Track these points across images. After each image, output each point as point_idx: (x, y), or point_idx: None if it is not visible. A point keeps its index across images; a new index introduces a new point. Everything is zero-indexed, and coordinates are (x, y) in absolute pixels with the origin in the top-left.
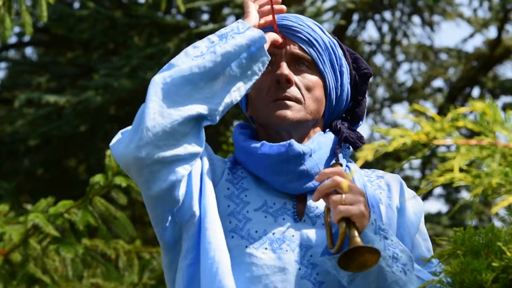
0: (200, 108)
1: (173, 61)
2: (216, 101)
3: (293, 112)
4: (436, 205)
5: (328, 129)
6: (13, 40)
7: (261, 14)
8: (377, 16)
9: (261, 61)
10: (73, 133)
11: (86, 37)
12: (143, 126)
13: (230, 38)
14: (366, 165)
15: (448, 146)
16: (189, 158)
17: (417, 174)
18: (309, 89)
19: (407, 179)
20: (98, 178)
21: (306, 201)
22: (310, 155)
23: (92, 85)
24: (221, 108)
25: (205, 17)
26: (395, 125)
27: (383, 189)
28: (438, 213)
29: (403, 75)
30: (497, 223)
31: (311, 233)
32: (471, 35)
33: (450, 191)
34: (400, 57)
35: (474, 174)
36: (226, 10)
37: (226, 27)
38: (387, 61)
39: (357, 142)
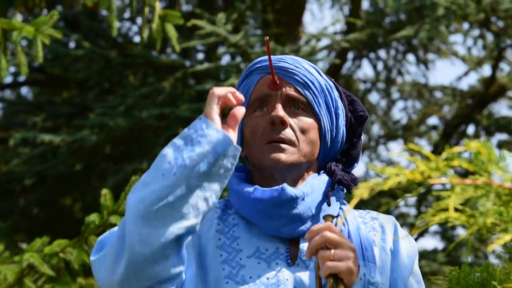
0: (180, 228)
1: (145, 178)
2: (194, 214)
3: (287, 155)
4: (432, 242)
5: (322, 171)
6: (8, 80)
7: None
8: (372, 55)
9: (232, 156)
10: (68, 172)
11: (82, 77)
12: (123, 258)
13: (196, 143)
14: (362, 203)
15: (443, 184)
16: (172, 278)
17: (412, 211)
18: (303, 131)
19: (402, 216)
20: (93, 217)
21: (299, 244)
22: (303, 199)
23: (88, 124)
24: (200, 219)
25: (200, 56)
26: (390, 162)
27: (377, 231)
28: (434, 250)
29: (398, 113)
30: (493, 261)
31: (304, 276)
32: (466, 73)
33: (446, 229)
34: (395, 95)
35: (469, 214)
36: (221, 49)
37: (189, 127)
38: (382, 99)
39: (351, 184)
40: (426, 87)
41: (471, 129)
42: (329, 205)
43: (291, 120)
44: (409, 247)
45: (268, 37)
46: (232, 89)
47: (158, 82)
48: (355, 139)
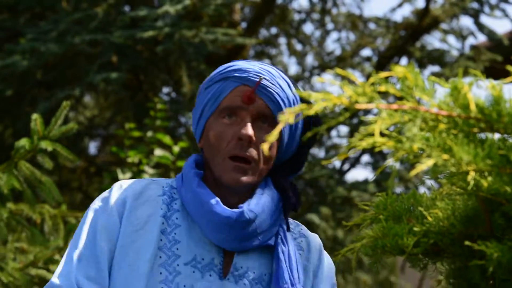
0: None
1: None
2: None
3: (247, 177)
4: (363, 173)
5: (269, 178)
6: None
7: None
8: None
9: None
10: None
11: (13, 1)
12: None
13: None
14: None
15: (375, 114)
16: None
17: (344, 142)
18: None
19: (335, 147)
20: (23, 142)
21: (233, 258)
22: (254, 220)
23: (19, 49)
24: None
25: None
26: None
27: (303, 250)
28: (365, 181)
29: (332, 44)
30: (423, 190)
31: None
32: (400, 5)
33: (377, 159)
34: (330, 26)
35: (396, 139)
36: None
37: None
38: (316, 29)
39: (297, 205)
40: (360, 18)
41: (404, 61)
42: (288, 230)
43: (257, 136)
44: (330, 265)
45: (263, 78)
46: None
47: (91, 8)
48: (305, 148)
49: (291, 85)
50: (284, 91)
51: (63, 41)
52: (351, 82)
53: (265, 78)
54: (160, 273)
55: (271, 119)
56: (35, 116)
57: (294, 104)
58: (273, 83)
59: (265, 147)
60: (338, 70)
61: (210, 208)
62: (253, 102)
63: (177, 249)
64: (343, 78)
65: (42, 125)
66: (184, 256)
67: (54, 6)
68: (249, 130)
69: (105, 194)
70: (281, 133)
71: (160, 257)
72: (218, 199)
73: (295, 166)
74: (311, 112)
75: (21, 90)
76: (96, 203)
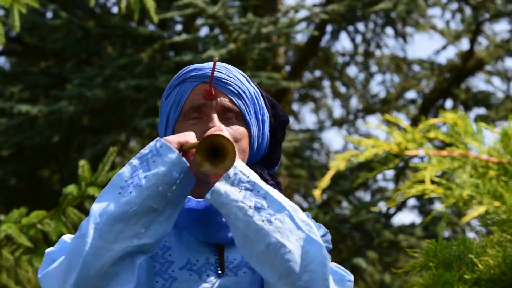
0: (131, 246)
1: (104, 192)
2: (149, 235)
3: None
4: (410, 217)
5: None
6: None
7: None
8: (350, 27)
9: (189, 184)
10: (46, 143)
11: (59, 47)
12: (76, 269)
13: (151, 163)
14: (341, 177)
15: (421, 158)
16: None
17: (390, 186)
18: (236, 140)
19: (380, 190)
20: (71, 188)
21: (223, 254)
22: None
23: (65, 95)
24: (154, 240)
25: (179, 27)
26: (368, 136)
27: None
28: (411, 225)
29: (376, 87)
30: (470, 235)
31: (234, 285)
32: (444, 47)
33: (424, 203)
34: (373, 68)
35: (446, 186)
36: (199, 21)
37: (146, 148)
38: (360, 72)
39: (276, 188)
40: (404, 60)
41: (449, 104)
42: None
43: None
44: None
45: (217, 58)
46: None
47: (136, 53)
48: (276, 144)
49: (249, 80)
50: (243, 83)
51: (108, 86)
52: (398, 127)
53: (221, 72)
54: (156, 281)
55: (236, 113)
56: (82, 162)
57: (256, 98)
58: (230, 76)
59: (316, 193)
60: (387, 116)
61: (184, 207)
62: (214, 96)
63: (170, 255)
64: (389, 122)
65: (89, 171)
66: (178, 261)
67: (99, 52)
68: (216, 122)
69: None
70: (249, 128)
71: (154, 266)
72: (189, 196)
73: (270, 163)
74: (361, 158)
75: (68, 135)
76: None
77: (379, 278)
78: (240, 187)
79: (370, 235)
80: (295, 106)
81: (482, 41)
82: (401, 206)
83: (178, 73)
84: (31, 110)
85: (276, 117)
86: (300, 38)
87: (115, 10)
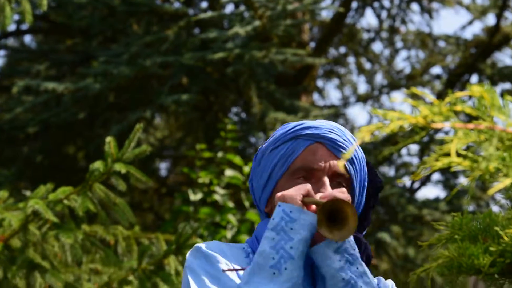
0: None
1: (253, 278)
2: None
3: None
4: (434, 191)
5: None
6: (12, 28)
7: None
8: (375, 3)
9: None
10: (72, 120)
11: (85, 25)
12: None
13: (289, 231)
14: (364, 151)
15: (446, 132)
16: None
17: (415, 160)
18: None
19: (405, 165)
20: (97, 164)
21: None
22: None
23: (91, 72)
24: None
25: (204, 4)
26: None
27: None
28: (436, 199)
29: (401, 62)
30: (495, 209)
31: None
32: (470, 22)
33: (448, 177)
34: (399, 44)
35: (472, 159)
36: None
37: (274, 216)
38: (385, 48)
39: (371, 257)
40: (430, 36)
41: (474, 79)
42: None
43: None
44: None
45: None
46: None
47: (162, 30)
48: (368, 210)
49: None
50: (355, 148)
51: (134, 64)
52: (424, 101)
53: (336, 134)
54: None
55: (346, 178)
56: (109, 139)
57: (363, 163)
58: (345, 139)
59: (340, 164)
60: (413, 89)
61: None
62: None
63: None
64: (415, 97)
65: (115, 147)
66: None
67: (125, 30)
68: (329, 188)
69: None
70: (353, 195)
71: None
72: None
73: (363, 224)
74: (387, 130)
75: (94, 112)
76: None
77: (402, 252)
78: (342, 256)
79: (394, 209)
80: (320, 83)
81: (509, 16)
82: (425, 180)
83: (287, 127)
84: (57, 87)
85: (371, 181)
86: (325, 14)
87: None
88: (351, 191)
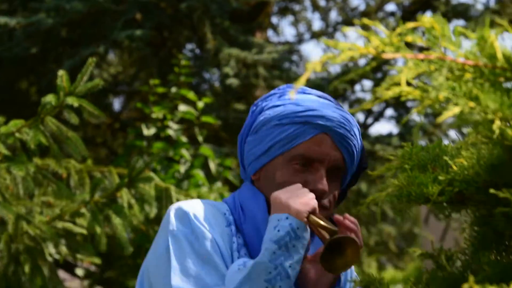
0: None
1: (246, 280)
2: None
3: None
4: (387, 127)
5: None
6: None
7: None
8: None
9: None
10: (24, 55)
11: None
12: None
13: (291, 248)
14: (316, 86)
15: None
16: None
17: (368, 96)
18: (334, 197)
19: (358, 101)
20: (49, 98)
21: None
22: None
23: (44, 7)
24: None
25: None
26: None
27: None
28: (389, 134)
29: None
30: (446, 143)
31: None
32: None
33: (401, 112)
34: None
35: (422, 88)
36: None
37: (279, 228)
38: None
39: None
40: None
41: (428, 16)
42: None
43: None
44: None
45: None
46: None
47: None
48: (348, 188)
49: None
50: (358, 141)
51: None
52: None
53: (344, 128)
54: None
55: (341, 170)
56: (61, 72)
57: (359, 152)
58: (352, 134)
59: (291, 95)
60: (365, 20)
61: None
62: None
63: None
64: (368, 31)
65: (68, 81)
66: None
67: None
68: (326, 186)
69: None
70: (344, 180)
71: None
72: None
73: (340, 200)
74: (338, 61)
75: (46, 47)
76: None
77: (355, 187)
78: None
79: None
80: (274, 19)
81: None
82: (378, 116)
83: (300, 107)
84: (9, 22)
85: (360, 163)
86: None
87: None
88: (343, 177)
